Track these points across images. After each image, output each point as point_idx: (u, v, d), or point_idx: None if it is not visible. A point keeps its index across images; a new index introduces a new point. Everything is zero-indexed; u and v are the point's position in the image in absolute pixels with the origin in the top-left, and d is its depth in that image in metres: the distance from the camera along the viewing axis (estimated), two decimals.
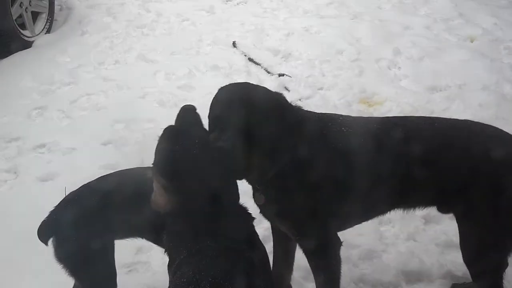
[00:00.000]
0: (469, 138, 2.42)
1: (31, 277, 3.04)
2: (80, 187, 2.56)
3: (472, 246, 2.47)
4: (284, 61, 5.45)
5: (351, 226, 2.62)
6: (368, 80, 5.03)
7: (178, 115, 2.19)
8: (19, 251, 3.17)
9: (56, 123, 4.61)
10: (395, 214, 2.76)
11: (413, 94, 4.80)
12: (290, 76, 5.06)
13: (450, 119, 2.64)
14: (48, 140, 4.30)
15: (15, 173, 4.01)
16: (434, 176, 2.36)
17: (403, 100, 4.69)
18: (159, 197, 2.03)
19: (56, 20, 6.57)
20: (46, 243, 2.43)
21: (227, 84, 2.35)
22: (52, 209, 2.49)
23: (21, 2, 5.94)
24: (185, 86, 5.00)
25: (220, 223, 1.97)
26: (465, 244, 2.48)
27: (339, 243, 2.44)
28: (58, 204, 2.50)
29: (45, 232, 2.43)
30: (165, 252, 2.13)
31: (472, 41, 5.79)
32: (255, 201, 2.39)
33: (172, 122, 2.19)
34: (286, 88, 4.86)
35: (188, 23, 6.43)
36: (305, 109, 2.43)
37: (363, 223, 2.70)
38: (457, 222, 2.51)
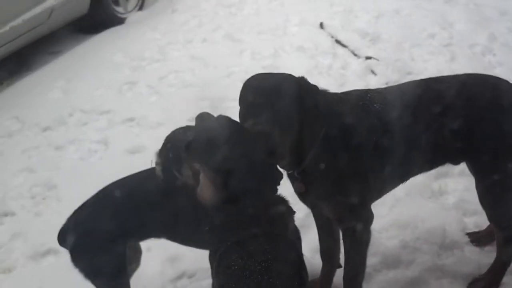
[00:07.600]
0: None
1: None
2: (98, 191, 2.55)
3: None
4: (372, 43, 5.29)
5: (383, 195, 2.65)
6: (460, 66, 4.81)
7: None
8: None
9: (145, 98, 4.77)
10: (479, 205, 2.68)
11: None
12: (377, 59, 4.91)
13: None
14: (137, 114, 4.47)
15: (105, 144, 4.20)
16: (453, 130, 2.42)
17: None
18: (206, 191, 1.99)
19: None
20: (67, 248, 2.46)
21: (253, 75, 2.39)
22: (70, 215, 2.50)
23: None
24: (270, 66, 5.00)
25: (264, 213, 1.95)
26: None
27: (372, 217, 2.50)
28: (76, 209, 2.50)
29: (63, 237, 2.46)
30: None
31: None
32: (295, 190, 2.42)
33: None
34: (373, 72, 4.74)
35: (275, 3, 6.41)
36: None
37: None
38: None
